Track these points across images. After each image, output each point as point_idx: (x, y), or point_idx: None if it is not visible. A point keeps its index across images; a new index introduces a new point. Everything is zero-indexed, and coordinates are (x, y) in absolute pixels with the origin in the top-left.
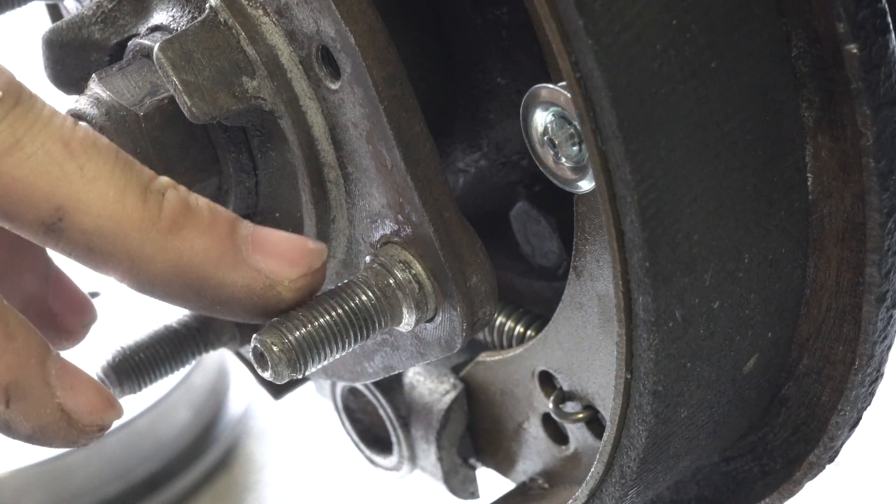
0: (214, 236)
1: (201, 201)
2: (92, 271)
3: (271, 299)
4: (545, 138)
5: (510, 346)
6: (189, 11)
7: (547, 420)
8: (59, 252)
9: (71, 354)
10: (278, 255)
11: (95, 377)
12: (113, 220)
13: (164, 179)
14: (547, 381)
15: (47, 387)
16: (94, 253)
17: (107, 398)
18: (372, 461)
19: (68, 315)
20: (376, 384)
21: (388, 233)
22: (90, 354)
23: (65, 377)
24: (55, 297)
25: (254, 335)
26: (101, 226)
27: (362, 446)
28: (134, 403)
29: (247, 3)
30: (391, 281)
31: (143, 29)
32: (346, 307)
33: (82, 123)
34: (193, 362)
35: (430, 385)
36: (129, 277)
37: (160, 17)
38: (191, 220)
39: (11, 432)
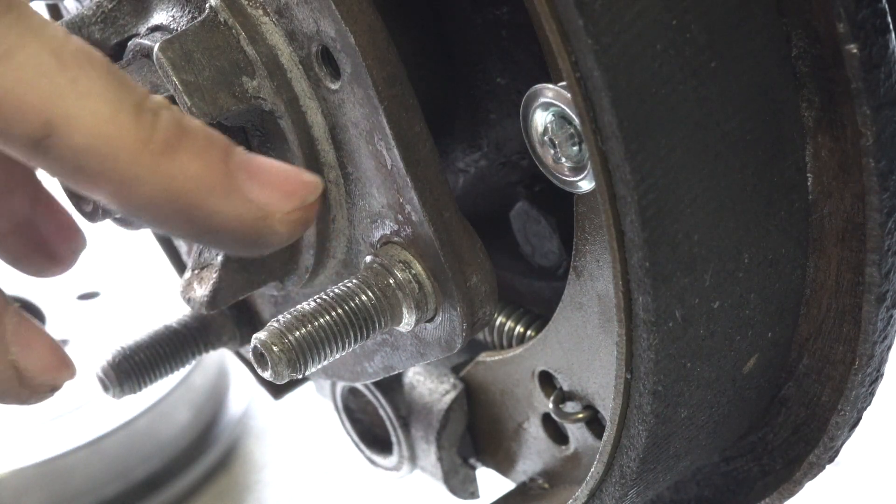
0: (208, 161)
1: (195, 123)
2: (81, 191)
3: (264, 231)
4: (545, 138)
5: (510, 346)
6: (189, 11)
7: (547, 420)
8: (45, 170)
9: (71, 351)
10: (272, 186)
11: (96, 377)
12: (104, 139)
13: (159, 98)
14: (547, 381)
15: (2, 342)
16: (83, 172)
17: (61, 358)
18: (372, 461)
19: (58, 240)
20: (376, 384)
21: (388, 233)
22: (90, 354)
23: (21, 333)
24: (45, 222)
25: (254, 335)
26: (91, 144)
27: (362, 446)
28: (134, 403)
29: (247, 3)
30: (391, 281)
31: (143, 29)
32: (346, 307)
33: (75, 36)
34: (193, 362)
35: (430, 385)
36: (116, 199)
37: (160, 17)
38: (185, 142)
39: None
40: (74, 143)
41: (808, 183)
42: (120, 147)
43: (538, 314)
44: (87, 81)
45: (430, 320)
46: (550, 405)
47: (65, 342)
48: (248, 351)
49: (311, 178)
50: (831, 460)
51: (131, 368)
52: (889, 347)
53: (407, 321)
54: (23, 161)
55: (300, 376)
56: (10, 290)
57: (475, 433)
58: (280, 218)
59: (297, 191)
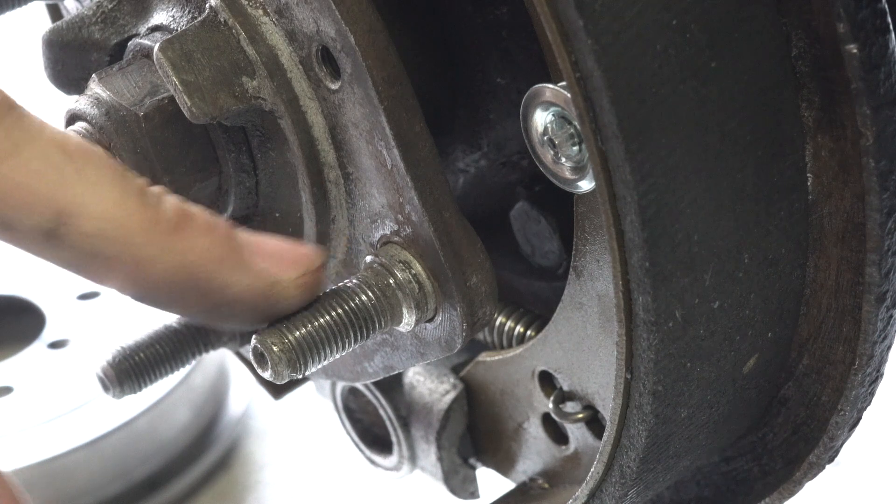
0: (215, 237)
1: (196, 207)
2: (92, 281)
3: (276, 297)
4: (545, 138)
5: (510, 346)
6: (189, 11)
7: (547, 420)
8: (59, 262)
9: (71, 351)
10: (278, 258)
11: (96, 377)
12: (115, 223)
13: (158, 187)
14: (547, 381)
15: None
16: (97, 258)
17: None
18: (372, 461)
19: None
20: (376, 384)
21: (388, 233)
22: (90, 354)
23: None
24: None
25: (254, 335)
26: (104, 228)
27: (362, 446)
28: (134, 403)
29: (247, 2)
30: (391, 281)
31: (143, 29)
32: (346, 307)
33: (72, 133)
34: (193, 362)
35: (430, 385)
36: (132, 281)
37: (160, 17)
38: (190, 222)
39: None
40: (87, 230)
41: (808, 183)
42: (131, 229)
43: (538, 314)
44: (93, 171)
45: (430, 320)
46: (550, 405)
47: (65, 342)
48: (248, 351)
49: (313, 248)
50: (831, 460)
51: (131, 368)
52: (889, 347)
53: (407, 321)
54: (35, 255)
55: (300, 376)
56: (9, 290)
57: (475, 433)
58: (290, 284)
59: (302, 259)
